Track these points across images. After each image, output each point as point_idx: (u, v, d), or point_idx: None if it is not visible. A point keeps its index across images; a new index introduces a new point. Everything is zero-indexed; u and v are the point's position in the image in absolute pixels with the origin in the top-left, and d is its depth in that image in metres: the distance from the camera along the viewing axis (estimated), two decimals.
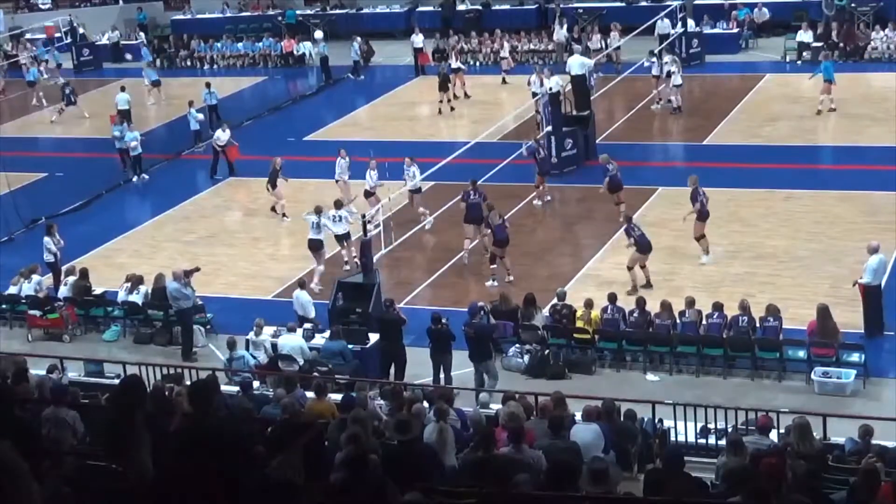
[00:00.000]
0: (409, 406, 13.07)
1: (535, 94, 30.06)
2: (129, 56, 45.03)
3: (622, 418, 13.76)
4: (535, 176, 25.34)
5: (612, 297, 18.91)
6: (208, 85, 33.65)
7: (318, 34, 41.29)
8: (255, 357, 18.79)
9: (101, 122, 34.51)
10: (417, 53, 39.36)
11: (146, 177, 29.83)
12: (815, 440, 12.57)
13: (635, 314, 18.58)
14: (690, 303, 18.44)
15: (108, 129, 31.82)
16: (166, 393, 12.04)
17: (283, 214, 25.48)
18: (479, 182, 23.04)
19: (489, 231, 21.60)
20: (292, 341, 18.47)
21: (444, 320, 17.75)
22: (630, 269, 20.66)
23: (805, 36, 35.12)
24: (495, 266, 21.62)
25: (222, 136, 29.27)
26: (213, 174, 29.38)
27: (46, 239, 22.58)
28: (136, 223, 27.06)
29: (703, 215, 21.67)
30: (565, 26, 38.93)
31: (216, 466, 2.74)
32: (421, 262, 23.24)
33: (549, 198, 25.70)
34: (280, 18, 45.42)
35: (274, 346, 18.70)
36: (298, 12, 45.72)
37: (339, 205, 22.37)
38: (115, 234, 26.20)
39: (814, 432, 13.83)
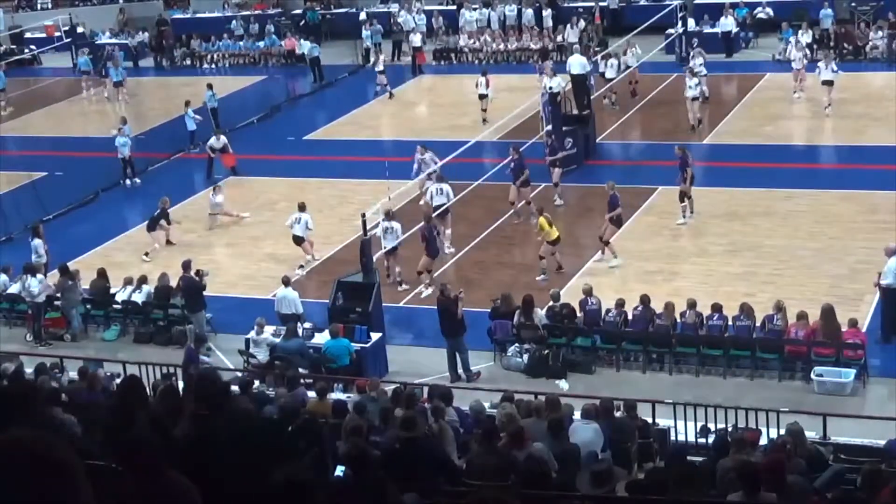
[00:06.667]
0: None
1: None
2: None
3: (623, 411, 13.81)
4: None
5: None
6: (210, 86, 33.55)
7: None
8: (255, 356, 18.86)
9: (99, 120, 34.53)
10: (416, 53, 39.38)
11: (138, 181, 29.57)
12: (808, 444, 12.60)
13: (639, 309, 18.62)
14: (692, 304, 18.43)
15: (107, 128, 31.85)
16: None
17: (146, 253, 24.19)
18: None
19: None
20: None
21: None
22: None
23: (805, 36, 35.04)
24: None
25: (215, 143, 29.16)
26: (209, 175, 29.25)
27: (36, 241, 22.55)
28: (135, 223, 27.03)
29: (619, 221, 21.98)
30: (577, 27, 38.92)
31: (228, 470, 2.74)
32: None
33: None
34: (283, 18, 45.42)
35: (273, 347, 18.74)
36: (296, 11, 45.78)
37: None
38: (115, 234, 26.19)
39: (813, 431, 13.89)
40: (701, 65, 31.75)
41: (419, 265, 21.12)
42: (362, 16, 43.06)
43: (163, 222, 24.78)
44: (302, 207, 23.12)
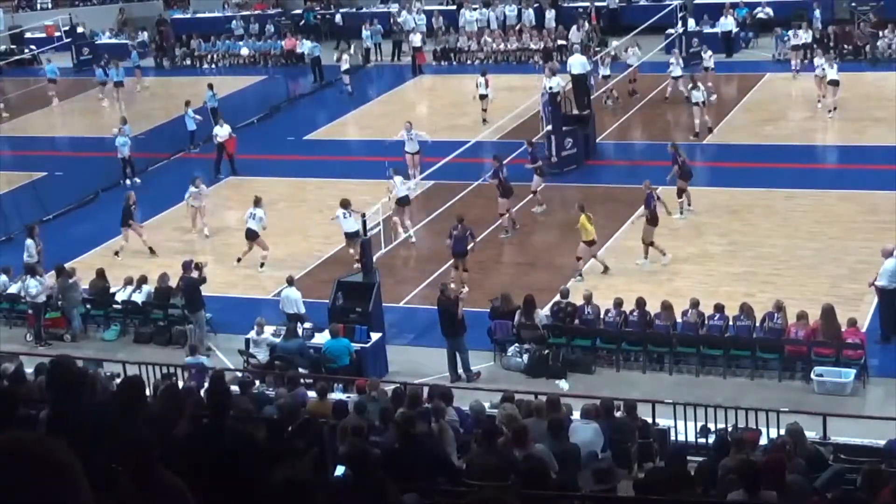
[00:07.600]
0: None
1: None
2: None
3: (623, 411, 13.81)
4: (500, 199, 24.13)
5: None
6: (210, 86, 33.50)
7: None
8: (255, 356, 18.86)
9: (100, 120, 34.48)
10: (416, 53, 39.38)
11: (138, 181, 29.48)
12: (808, 444, 12.61)
13: (635, 314, 18.60)
14: (695, 304, 18.42)
15: (107, 128, 31.82)
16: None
17: (151, 249, 24.34)
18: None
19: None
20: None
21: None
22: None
23: (805, 36, 35.02)
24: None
25: (220, 131, 29.22)
26: (217, 172, 29.26)
27: (28, 241, 22.54)
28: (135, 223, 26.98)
29: (654, 220, 21.69)
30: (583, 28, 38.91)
31: (229, 470, 2.74)
32: (421, 262, 23.23)
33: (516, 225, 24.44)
34: (283, 18, 45.42)
35: (273, 347, 18.74)
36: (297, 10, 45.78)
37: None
38: (115, 234, 26.12)
39: (814, 431, 13.89)
40: (674, 63, 31.77)
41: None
42: (338, 17, 43.34)
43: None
44: (257, 202, 23.16)
